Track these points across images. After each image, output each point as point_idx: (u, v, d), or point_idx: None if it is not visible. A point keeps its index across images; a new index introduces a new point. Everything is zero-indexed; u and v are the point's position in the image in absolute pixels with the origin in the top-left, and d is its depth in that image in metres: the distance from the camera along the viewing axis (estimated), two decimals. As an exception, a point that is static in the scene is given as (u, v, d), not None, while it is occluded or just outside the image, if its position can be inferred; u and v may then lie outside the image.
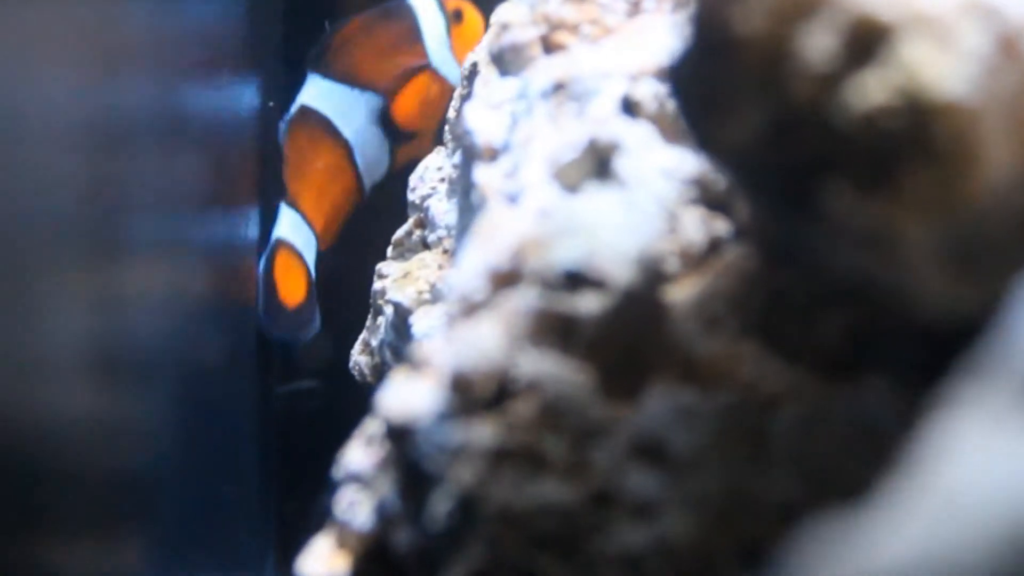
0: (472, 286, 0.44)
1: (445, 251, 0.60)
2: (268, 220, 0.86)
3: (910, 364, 0.41)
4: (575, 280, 0.43)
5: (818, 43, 0.33)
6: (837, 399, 0.41)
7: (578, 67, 0.49)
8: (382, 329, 0.63)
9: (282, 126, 0.88)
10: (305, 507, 0.86)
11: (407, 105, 0.88)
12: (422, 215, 0.63)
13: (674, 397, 0.42)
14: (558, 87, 0.49)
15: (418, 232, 0.63)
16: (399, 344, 0.61)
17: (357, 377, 0.66)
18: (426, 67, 0.88)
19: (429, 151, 0.66)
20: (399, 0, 0.90)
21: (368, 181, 0.90)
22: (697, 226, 0.46)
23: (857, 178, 0.33)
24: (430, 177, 0.63)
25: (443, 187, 0.62)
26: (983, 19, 0.33)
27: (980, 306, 0.35)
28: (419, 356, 0.45)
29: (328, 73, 0.89)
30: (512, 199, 0.47)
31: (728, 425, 0.41)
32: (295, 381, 0.88)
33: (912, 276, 0.34)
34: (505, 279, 0.44)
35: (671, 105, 0.48)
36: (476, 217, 0.50)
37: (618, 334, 0.43)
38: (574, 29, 0.52)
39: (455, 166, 0.61)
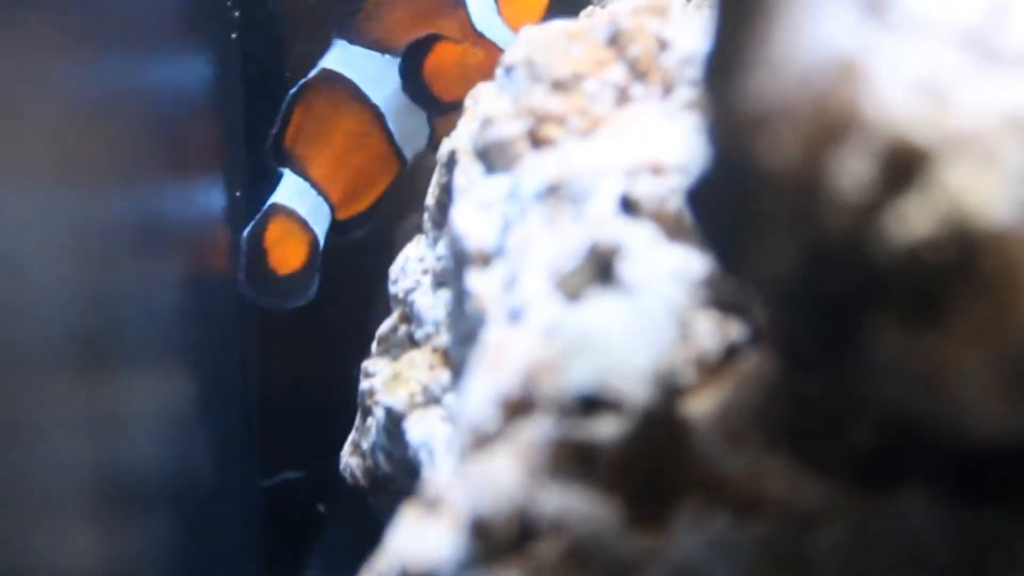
0: (483, 416, 0.41)
1: (435, 350, 0.58)
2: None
3: (952, 476, 0.39)
4: (591, 404, 0.41)
5: (852, 170, 0.31)
6: (878, 515, 0.39)
7: (571, 165, 0.47)
8: (373, 432, 0.60)
9: (292, 90, 0.84)
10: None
11: (441, 72, 0.85)
12: (406, 310, 0.60)
13: (705, 523, 0.40)
14: (552, 189, 0.47)
15: (404, 327, 0.61)
16: (393, 449, 0.58)
17: (348, 480, 0.64)
18: (443, 37, 0.84)
19: None
20: None
21: (408, 150, 0.85)
22: (711, 331, 0.44)
23: (904, 314, 0.31)
24: (412, 269, 0.60)
25: (427, 280, 0.59)
26: (1026, 135, 0.31)
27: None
28: (431, 493, 0.42)
29: (356, 39, 0.84)
30: (514, 315, 0.44)
31: (767, 551, 0.39)
32: (281, 473, 0.85)
33: (966, 407, 0.32)
34: (517, 408, 0.41)
35: (673, 201, 0.46)
36: (477, 330, 0.47)
37: (640, 458, 0.41)
38: (561, 121, 0.50)
39: (438, 258, 0.58)
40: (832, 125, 0.31)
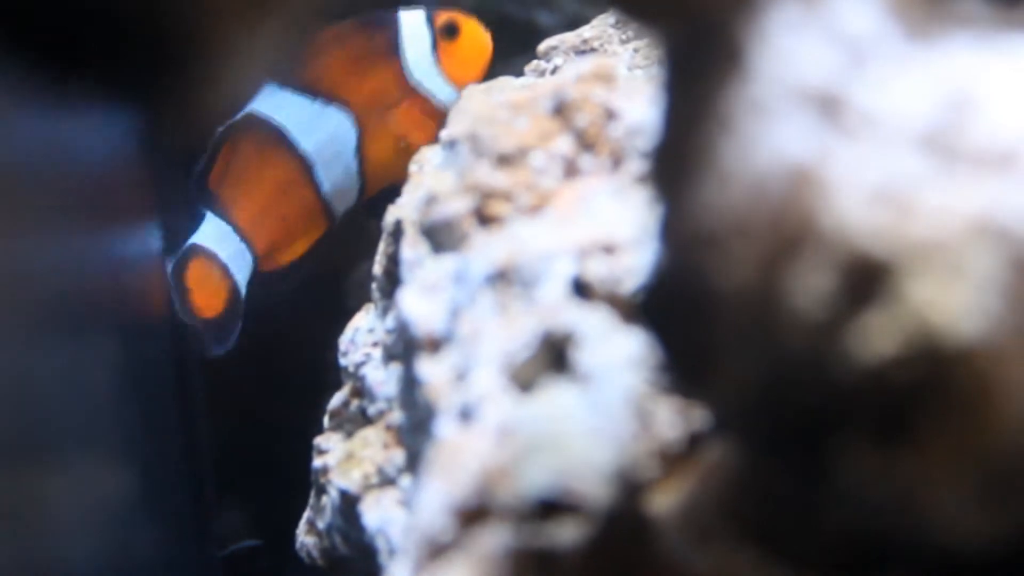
0: (437, 526, 0.40)
1: (388, 427, 0.56)
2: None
3: (935, 567, 0.37)
4: (550, 508, 0.39)
5: (811, 287, 0.30)
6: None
7: (520, 247, 0.45)
8: (328, 512, 0.58)
9: (220, 129, 0.78)
10: None
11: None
12: (357, 384, 0.58)
13: (675, 630, 0.38)
14: (501, 274, 0.45)
15: (356, 402, 0.59)
16: (349, 531, 0.56)
17: (306, 560, 0.62)
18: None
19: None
20: (387, 11, 0.80)
21: (338, 204, 0.80)
22: (672, 420, 0.42)
23: (873, 436, 0.30)
24: (362, 341, 0.58)
25: (377, 353, 0.57)
26: (994, 242, 0.29)
27: (1014, 532, 0.32)
28: (386, 606, 0.40)
29: (286, 83, 0.79)
30: (466, 413, 0.42)
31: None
32: (238, 542, 0.83)
33: (945, 525, 0.31)
34: (473, 516, 0.40)
35: (627, 282, 0.44)
36: (428, 422, 0.45)
37: (604, 562, 0.39)
38: (508, 197, 0.48)
39: (388, 331, 0.56)
40: (788, 239, 0.30)
